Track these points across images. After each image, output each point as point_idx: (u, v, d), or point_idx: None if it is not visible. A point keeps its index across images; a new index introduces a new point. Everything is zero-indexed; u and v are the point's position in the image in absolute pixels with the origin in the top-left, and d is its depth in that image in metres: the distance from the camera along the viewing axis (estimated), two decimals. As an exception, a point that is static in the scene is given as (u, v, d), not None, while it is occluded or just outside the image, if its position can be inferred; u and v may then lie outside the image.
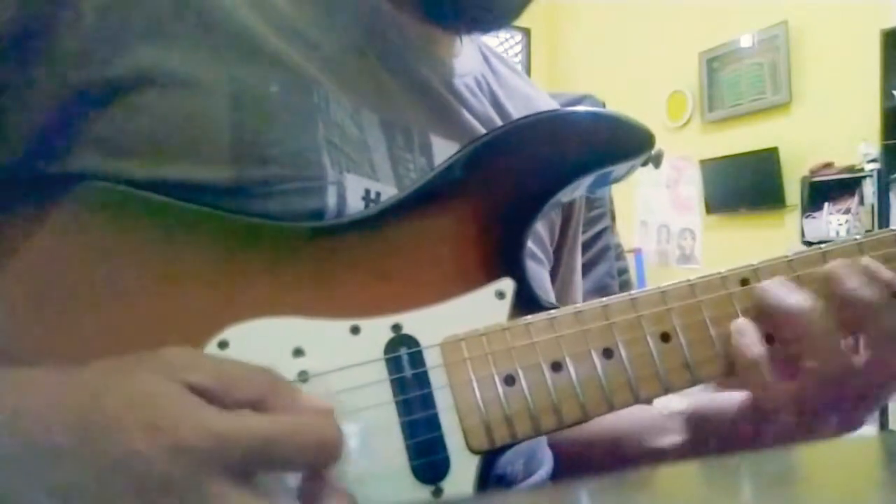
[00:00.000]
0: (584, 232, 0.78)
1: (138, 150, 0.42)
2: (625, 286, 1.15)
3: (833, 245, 0.46)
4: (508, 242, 0.46)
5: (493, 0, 0.52)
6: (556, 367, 0.42)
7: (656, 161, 0.49)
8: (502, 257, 0.46)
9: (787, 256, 0.45)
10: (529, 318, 0.43)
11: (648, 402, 0.44)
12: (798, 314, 0.43)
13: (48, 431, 0.31)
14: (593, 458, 0.62)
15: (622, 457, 0.60)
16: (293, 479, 0.35)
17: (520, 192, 0.47)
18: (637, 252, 4.35)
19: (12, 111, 0.42)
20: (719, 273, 0.45)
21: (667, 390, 0.43)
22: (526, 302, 0.45)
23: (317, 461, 0.34)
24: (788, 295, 0.43)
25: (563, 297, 0.67)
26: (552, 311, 0.44)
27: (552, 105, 0.69)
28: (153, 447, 0.30)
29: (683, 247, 4.52)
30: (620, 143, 0.49)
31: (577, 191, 0.51)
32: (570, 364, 0.42)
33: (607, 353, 0.43)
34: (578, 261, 0.72)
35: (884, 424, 3.23)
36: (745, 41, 4.14)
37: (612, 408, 0.42)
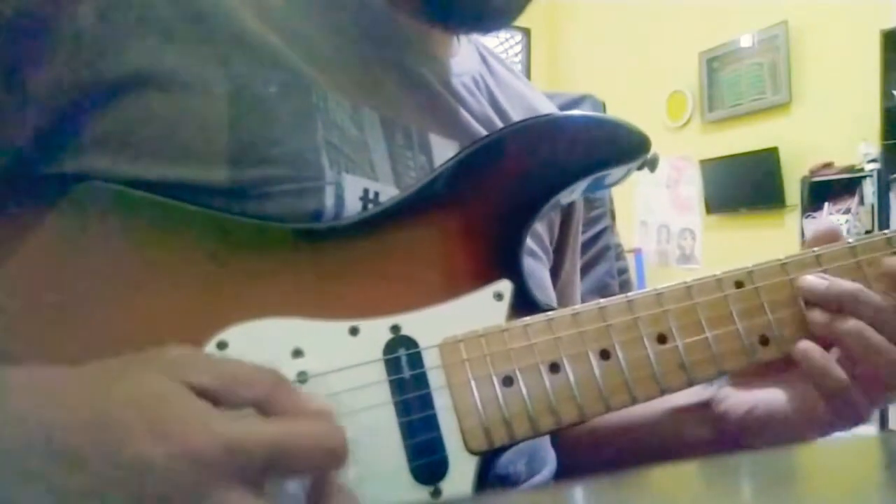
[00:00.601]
0: (583, 232, 0.78)
1: (136, 150, 0.42)
2: (625, 286, 1.15)
3: (826, 248, 0.46)
4: (506, 244, 0.46)
5: (489, 1, 0.52)
6: (554, 368, 0.43)
7: (652, 165, 0.49)
8: (500, 259, 0.46)
9: (780, 259, 0.46)
10: (527, 319, 0.44)
11: (645, 402, 0.44)
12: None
13: (51, 435, 0.31)
14: (608, 452, 0.61)
15: (642, 449, 0.59)
16: (299, 482, 0.35)
17: (517, 194, 0.47)
18: (637, 252, 4.35)
19: (11, 112, 0.42)
20: (714, 275, 0.45)
21: (663, 391, 0.43)
22: (524, 303, 0.45)
23: (325, 465, 0.34)
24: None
25: (564, 296, 0.67)
26: (550, 313, 0.44)
27: (549, 105, 0.69)
28: (162, 454, 0.30)
29: (683, 247, 4.51)
30: (616, 147, 0.49)
31: (574, 193, 0.51)
32: (568, 365, 0.43)
33: (604, 355, 0.43)
34: (578, 260, 0.72)
35: (884, 424, 3.23)
36: (745, 41, 4.13)
37: (609, 409, 0.43)
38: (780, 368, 0.49)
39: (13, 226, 0.41)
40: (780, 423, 0.49)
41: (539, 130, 0.49)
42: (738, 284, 0.45)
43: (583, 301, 0.72)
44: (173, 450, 0.30)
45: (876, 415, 3.24)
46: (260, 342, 0.40)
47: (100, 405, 0.32)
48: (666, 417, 0.57)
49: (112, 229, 0.41)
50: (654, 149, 0.49)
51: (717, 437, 0.53)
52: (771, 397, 0.50)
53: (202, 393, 0.32)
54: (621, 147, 0.49)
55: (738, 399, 0.51)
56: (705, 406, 0.54)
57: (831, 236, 0.48)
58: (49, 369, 0.34)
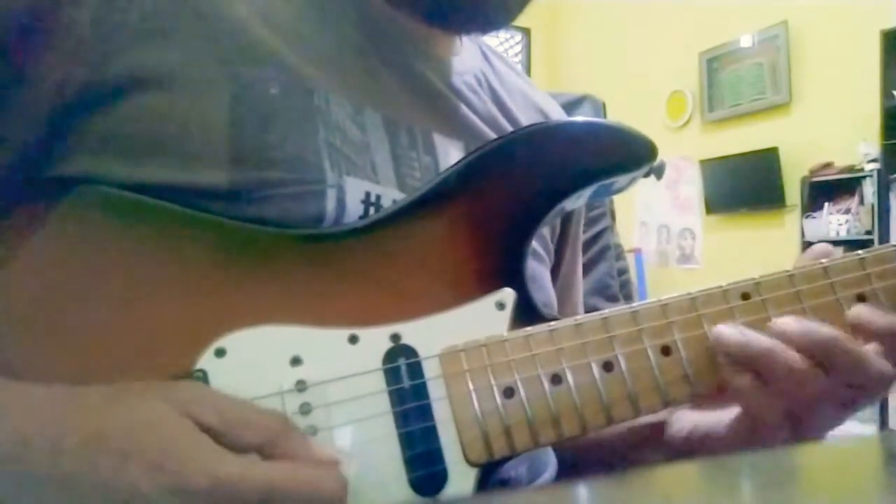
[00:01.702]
0: (584, 232, 0.77)
1: (136, 152, 0.42)
2: (625, 286, 1.15)
3: (834, 260, 0.45)
4: (510, 252, 0.46)
5: (489, 1, 0.52)
6: (556, 379, 0.42)
7: (658, 172, 0.49)
8: (503, 266, 0.45)
9: (787, 271, 0.45)
10: (529, 329, 0.43)
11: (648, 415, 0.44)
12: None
13: (52, 458, 0.31)
14: (587, 466, 0.61)
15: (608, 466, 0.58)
16: None
17: (522, 201, 0.47)
18: (637, 252, 4.34)
19: (10, 113, 0.42)
20: (720, 287, 0.45)
21: (666, 404, 0.43)
22: (526, 312, 0.44)
23: None
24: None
25: (564, 297, 0.67)
26: (552, 323, 0.43)
27: (552, 103, 0.69)
28: (155, 486, 0.30)
29: (683, 247, 4.51)
30: (623, 155, 0.48)
31: (580, 200, 0.50)
32: (570, 376, 0.42)
33: (607, 366, 0.42)
34: (579, 260, 0.72)
35: (884, 424, 3.23)
36: (745, 41, 4.14)
37: (611, 421, 0.42)
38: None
39: (11, 230, 0.41)
40: (717, 445, 0.46)
41: (545, 136, 0.48)
42: (745, 296, 0.44)
43: (583, 300, 0.72)
44: (166, 482, 0.30)
45: (876, 415, 3.24)
46: (258, 349, 0.40)
47: (100, 428, 0.32)
48: (624, 439, 0.55)
49: (110, 233, 0.41)
50: (659, 156, 0.48)
51: (671, 459, 0.51)
52: (712, 419, 0.47)
53: (207, 430, 0.33)
54: (628, 154, 0.48)
55: (683, 422, 0.50)
56: (660, 428, 0.52)
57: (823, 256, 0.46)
58: (46, 387, 0.34)
